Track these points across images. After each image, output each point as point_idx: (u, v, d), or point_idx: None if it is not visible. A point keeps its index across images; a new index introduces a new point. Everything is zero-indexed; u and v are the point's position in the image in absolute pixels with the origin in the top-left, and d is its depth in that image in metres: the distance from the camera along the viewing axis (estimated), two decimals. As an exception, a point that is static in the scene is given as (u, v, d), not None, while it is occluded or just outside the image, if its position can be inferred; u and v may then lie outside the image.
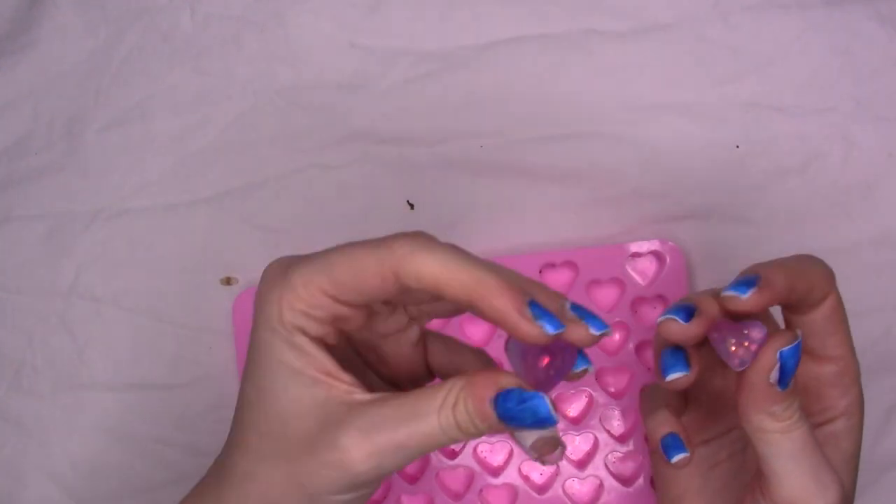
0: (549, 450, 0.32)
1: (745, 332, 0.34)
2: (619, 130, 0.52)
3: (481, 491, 0.49)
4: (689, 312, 0.34)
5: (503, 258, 0.51)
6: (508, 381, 0.30)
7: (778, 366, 0.33)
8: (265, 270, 0.33)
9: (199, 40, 0.54)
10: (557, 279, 0.51)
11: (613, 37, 0.52)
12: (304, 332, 0.32)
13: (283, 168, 0.53)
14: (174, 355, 0.52)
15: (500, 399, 0.30)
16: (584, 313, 0.31)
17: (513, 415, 0.30)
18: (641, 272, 0.51)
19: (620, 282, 0.50)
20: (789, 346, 0.33)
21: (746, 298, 0.33)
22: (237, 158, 0.53)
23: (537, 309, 0.30)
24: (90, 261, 0.53)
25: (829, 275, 0.36)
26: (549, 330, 0.29)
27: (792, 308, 0.37)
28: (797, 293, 0.34)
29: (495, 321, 0.30)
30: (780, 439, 0.34)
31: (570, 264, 0.51)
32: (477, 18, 0.53)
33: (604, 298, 0.51)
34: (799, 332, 0.34)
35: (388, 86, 0.53)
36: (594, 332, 0.31)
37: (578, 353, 0.32)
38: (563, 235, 0.52)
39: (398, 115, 0.53)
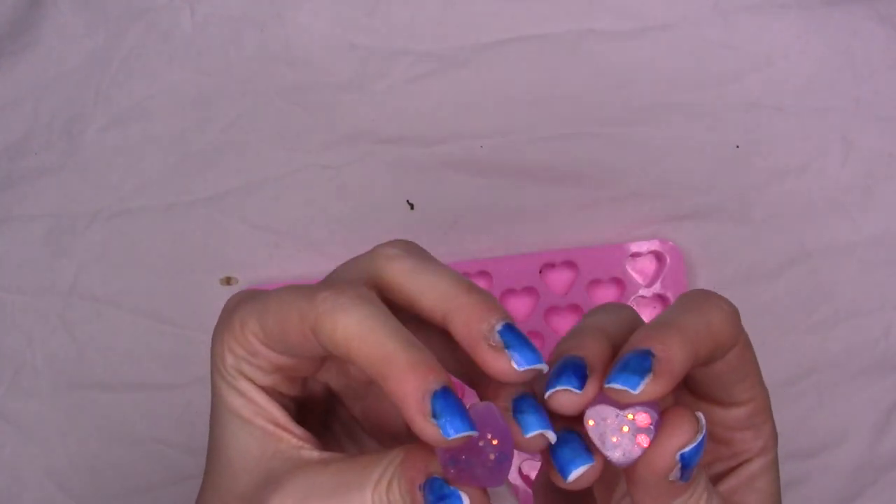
0: None
1: (631, 416, 0.26)
2: (619, 130, 0.52)
3: (481, 491, 0.49)
4: (580, 375, 0.26)
5: (503, 258, 0.51)
6: (436, 468, 0.26)
7: (679, 466, 0.26)
8: (225, 305, 0.30)
9: (199, 40, 0.54)
10: (557, 279, 0.51)
11: (613, 37, 0.52)
12: (249, 379, 0.29)
13: (283, 168, 0.53)
14: (174, 355, 0.52)
15: (427, 488, 0.26)
16: (515, 340, 0.26)
17: None
18: (641, 272, 0.51)
19: (620, 282, 0.50)
20: (692, 446, 0.26)
21: (640, 392, 0.25)
22: (237, 158, 0.53)
23: (442, 403, 0.25)
24: (90, 261, 0.53)
25: (735, 318, 0.29)
26: (449, 433, 0.25)
27: None
28: (701, 360, 0.27)
29: (397, 408, 0.26)
30: None
31: (570, 264, 0.51)
32: (477, 18, 0.53)
33: (604, 298, 0.51)
34: (702, 420, 0.27)
35: (388, 86, 0.53)
36: (518, 367, 0.26)
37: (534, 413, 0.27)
38: (563, 235, 0.52)
39: (398, 115, 0.53)
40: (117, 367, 0.52)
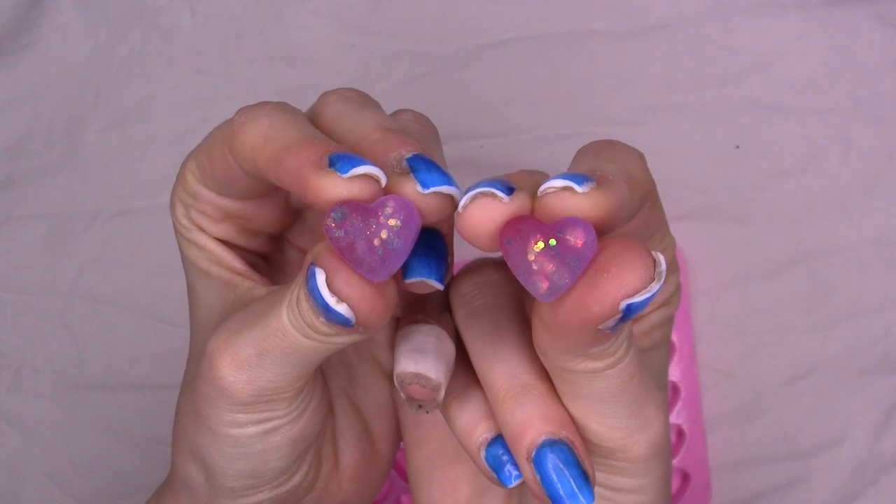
0: (412, 389, 0.25)
1: (560, 233, 0.20)
2: (618, 130, 0.52)
3: (481, 491, 0.49)
4: (505, 185, 0.22)
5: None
6: (313, 253, 0.23)
7: (618, 317, 0.21)
8: None
9: (199, 40, 0.54)
10: (557, 279, 0.51)
11: (613, 37, 0.52)
12: (201, 228, 0.28)
13: (283, 168, 0.53)
14: (174, 355, 0.52)
15: (307, 277, 0.23)
16: (422, 164, 0.23)
17: (308, 292, 0.23)
18: (641, 272, 0.51)
19: (620, 282, 0.50)
20: (644, 297, 0.21)
21: (585, 192, 0.21)
22: (237, 158, 0.53)
23: (339, 154, 0.22)
24: (90, 261, 0.53)
25: (645, 163, 0.26)
26: (345, 169, 0.22)
27: None
28: (636, 205, 0.24)
29: (292, 189, 0.23)
30: (592, 379, 0.23)
31: (570, 264, 0.51)
32: (477, 18, 0.53)
33: (604, 298, 0.51)
34: (662, 264, 0.21)
35: (388, 86, 0.53)
36: (422, 189, 0.22)
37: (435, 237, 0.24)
38: (563, 235, 0.52)
39: (398, 115, 0.53)
40: (117, 367, 0.52)
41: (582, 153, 0.25)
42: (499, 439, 0.25)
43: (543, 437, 0.24)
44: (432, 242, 0.24)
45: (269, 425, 0.26)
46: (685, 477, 0.49)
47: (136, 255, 0.53)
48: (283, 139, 0.23)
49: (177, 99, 0.53)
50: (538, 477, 0.24)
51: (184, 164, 0.28)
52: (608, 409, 0.24)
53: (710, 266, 0.51)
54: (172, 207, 0.29)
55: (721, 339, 0.50)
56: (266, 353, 0.25)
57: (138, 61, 0.54)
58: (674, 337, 0.49)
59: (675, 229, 0.51)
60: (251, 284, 0.28)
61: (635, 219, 0.25)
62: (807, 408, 0.50)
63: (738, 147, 0.52)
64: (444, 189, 0.22)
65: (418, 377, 0.25)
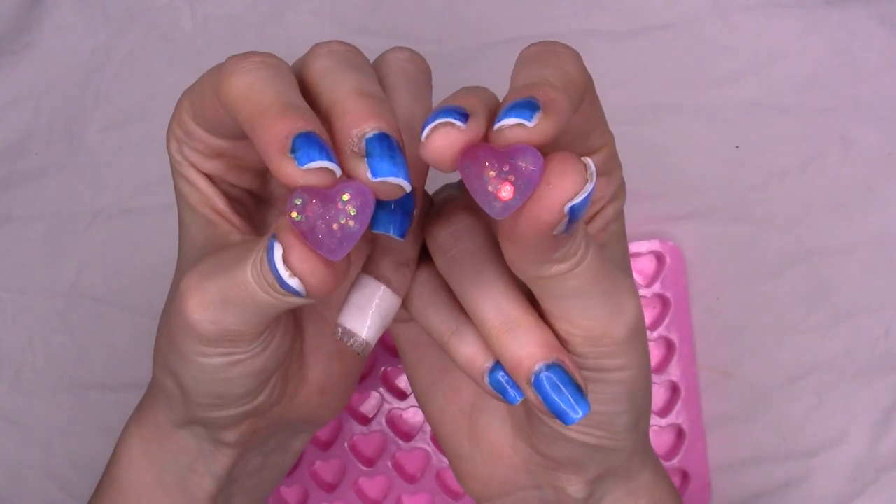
0: (343, 341, 0.28)
1: (512, 160, 0.23)
2: (618, 130, 0.52)
3: (481, 491, 0.49)
4: (461, 113, 0.23)
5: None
6: (276, 227, 0.25)
7: (566, 219, 0.24)
8: None
9: (199, 40, 0.54)
10: (557, 279, 0.51)
11: (613, 37, 0.52)
12: (193, 165, 0.30)
13: (283, 168, 0.53)
14: (174, 355, 0.52)
15: (267, 249, 0.25)
16: (379, 149, 0.24)
17: (267, 262, 0.25)
18: (641, 272, 0.51)
19: (620, 282, 0.50)
20: (581, 197, 0.23)
21: (534, 126, 0.23)
22: (237, 158, 0.53)
23: (303, 139, 0.23)
24: (90, 261, 0.53)
25: (582, 62, 0.27)
26: (303, 161, 0.23)
27: None
28: (574, 109, 0.26)
29: (263, 158, 0.24)
30: (563, 280, 0.26)
31: (570, 264, 0.51)
32: (477, 18, 0.53)
33: (604, 298, 0.51)
34: (592, 167, 0.24)
35: (388, 86, 0.53)
36: (371, 177, 0.24)
37: (384, 206, 0.25)
38: (563, 235, 0.52)
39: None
40: (117, 367, 0.52)
41: (523, 60, 0.27)
42: (498, 366, 0.28)
43: (539, 364, 0.26)
44: (401, 199, 0.26)
45: (232, 358, 0.29)
46: (685, 477, 0.49)
47: (136, 255, 0.53)
48: (259, 102, 0.25)
49: (177, 99, 0.53)
50: (540, 397, 0.26)
51: (179, 101, 0.30)
52: (585, 303, 0.27)
53: (710, 266, 0.51)
54: (168, 142, 0.30)
55: (721, 339, 0.50)
56: (229, 301, 0.27)
57: (138, 61, 0.54)
58: (674, 337, 0.49)
59: (675, 229, 0.51)
60: (229, 228, 0.30)
61: (575, 116, 0.27)
62: (807, 408, 0.50)
63: (738, 147, 0.52)
64: (391, 180, 0.24)
65: (348, 333, 0.28)
